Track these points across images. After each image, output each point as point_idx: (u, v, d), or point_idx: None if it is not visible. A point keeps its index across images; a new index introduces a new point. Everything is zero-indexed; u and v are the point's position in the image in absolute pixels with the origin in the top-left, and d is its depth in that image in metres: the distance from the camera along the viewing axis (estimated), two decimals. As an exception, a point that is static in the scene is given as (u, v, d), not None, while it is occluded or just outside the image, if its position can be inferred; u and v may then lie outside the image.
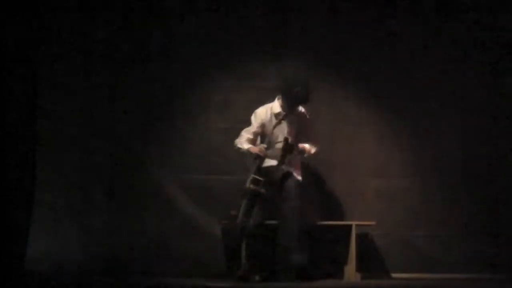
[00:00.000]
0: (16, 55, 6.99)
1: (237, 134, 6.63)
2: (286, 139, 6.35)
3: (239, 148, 6.49)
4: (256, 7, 7.09)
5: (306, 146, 6.54)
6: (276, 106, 6.56)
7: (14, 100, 6.97)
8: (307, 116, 6.57)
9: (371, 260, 6.91)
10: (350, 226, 6.70)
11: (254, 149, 6.41)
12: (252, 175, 6.29)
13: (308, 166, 6.79)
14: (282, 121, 6.49)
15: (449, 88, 7.10)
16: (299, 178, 6.52)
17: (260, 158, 6.37)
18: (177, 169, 6.99)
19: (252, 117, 6.57)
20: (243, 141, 6.49)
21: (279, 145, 6.41)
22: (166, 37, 7.09)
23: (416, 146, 7.08)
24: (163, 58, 7.09)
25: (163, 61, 7.09)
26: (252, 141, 6.52)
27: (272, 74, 7.05)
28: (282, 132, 6.47)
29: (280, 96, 6.53)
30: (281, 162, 6.38)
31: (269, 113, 6.55)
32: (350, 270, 6.66)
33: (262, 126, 6.52)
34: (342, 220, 6.91)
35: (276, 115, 6.52)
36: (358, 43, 7.11)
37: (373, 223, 6.77)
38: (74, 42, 7.06)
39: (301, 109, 6.56)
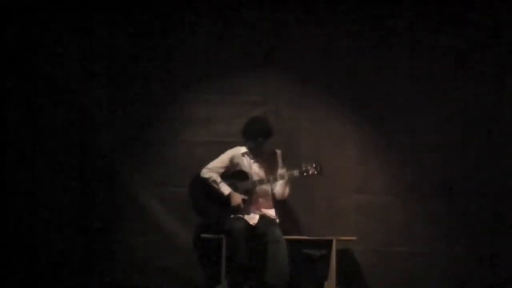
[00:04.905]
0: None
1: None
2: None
3: (215, 185, 6.47)
4: (241, 22, 7.06)
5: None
6: (243, 148, 6.62)
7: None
8: (278, 155, 6.59)
9: (352, 276, 6.87)
10: (331, 241, 6.66)
11: (236, 200, 6.43)
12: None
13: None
14: (253, 164, 6.54)
15: (430, 105, 7.02)
16: (272, 216, 6.56)
17: (235, 210, 6.43)
18: (158, 181, 6.97)
19: (223, 154, 6.58)
20: (217, 177, 6.49)
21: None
22: (150, 52, 7.09)
23: (398, 162, 6.99)
24: (147, 72, 7.08)
25: (147, 75, 7.08)
26: (221, 175, 6.53)
27: (255, 88, 7.06)
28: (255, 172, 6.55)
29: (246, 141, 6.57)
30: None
31: (239, 152, 6.59)
32: (330, 286, 6.61)
33: (231, 159, 6.56)
34: (323, 236, 6.85)
35: (243, 153, 6.58)
36: (342, 59, 7.04)
37: (354, 238, 6.74)
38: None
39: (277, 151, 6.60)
